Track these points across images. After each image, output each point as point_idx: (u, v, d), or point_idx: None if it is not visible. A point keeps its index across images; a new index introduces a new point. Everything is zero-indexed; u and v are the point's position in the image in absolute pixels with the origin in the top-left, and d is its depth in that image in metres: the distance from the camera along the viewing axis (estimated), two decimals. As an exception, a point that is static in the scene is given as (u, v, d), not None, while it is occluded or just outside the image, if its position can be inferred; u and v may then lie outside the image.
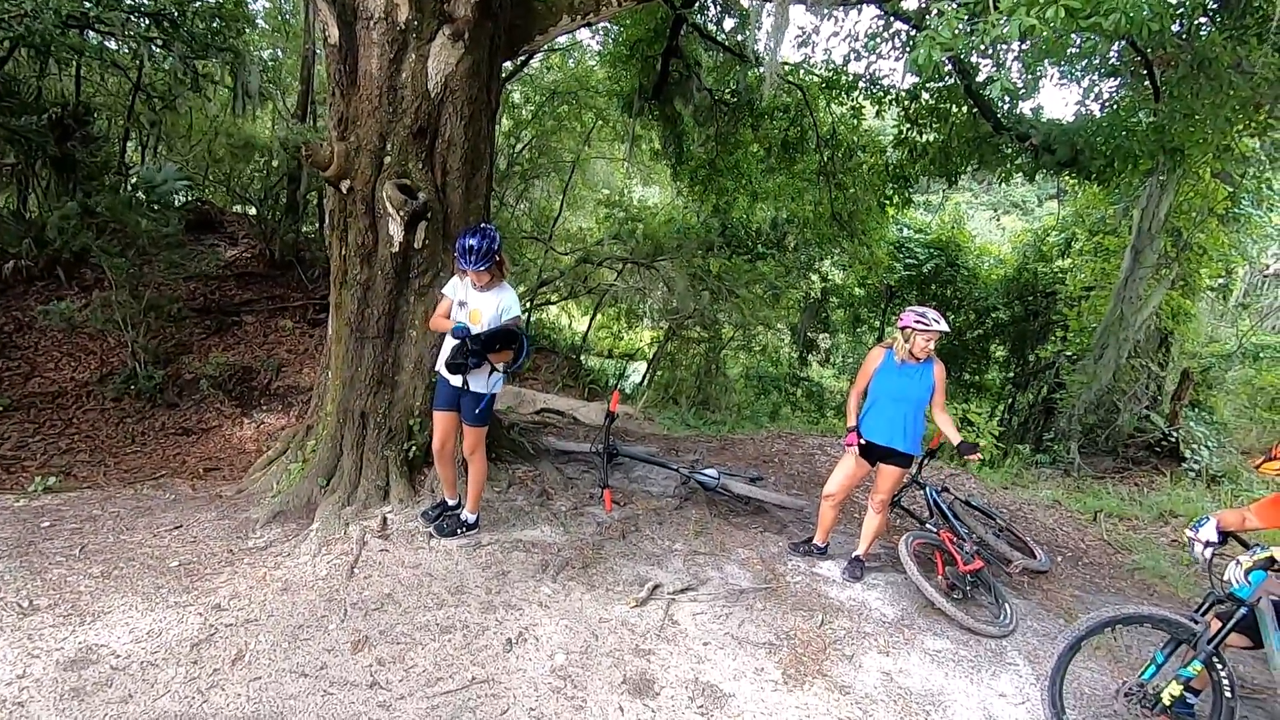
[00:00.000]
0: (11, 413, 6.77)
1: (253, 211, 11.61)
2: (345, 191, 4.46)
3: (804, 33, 10.43)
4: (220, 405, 7.63)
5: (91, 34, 8.69)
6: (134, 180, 9.70)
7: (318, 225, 11.40)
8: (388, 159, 4.38)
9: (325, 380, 5.01)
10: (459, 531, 4.20)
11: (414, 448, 4.67)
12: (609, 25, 10.64)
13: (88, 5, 7.42)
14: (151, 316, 8.00)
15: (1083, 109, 8.24)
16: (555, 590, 3.80)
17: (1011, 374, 14.92)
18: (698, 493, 5.38)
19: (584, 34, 13.30)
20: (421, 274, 4.58)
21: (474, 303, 3.86)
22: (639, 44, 9.58)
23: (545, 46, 10.24)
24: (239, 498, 4.86)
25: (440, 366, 3.93)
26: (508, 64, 7.22)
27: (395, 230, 4.39)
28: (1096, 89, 7.57)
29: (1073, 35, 4.00)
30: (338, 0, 4.18)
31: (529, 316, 14.61)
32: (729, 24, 9.85)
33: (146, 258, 8.37)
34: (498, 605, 3.59)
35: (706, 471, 5.32)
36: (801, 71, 10.44)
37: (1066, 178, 9.49)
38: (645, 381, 15.30)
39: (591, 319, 16.65)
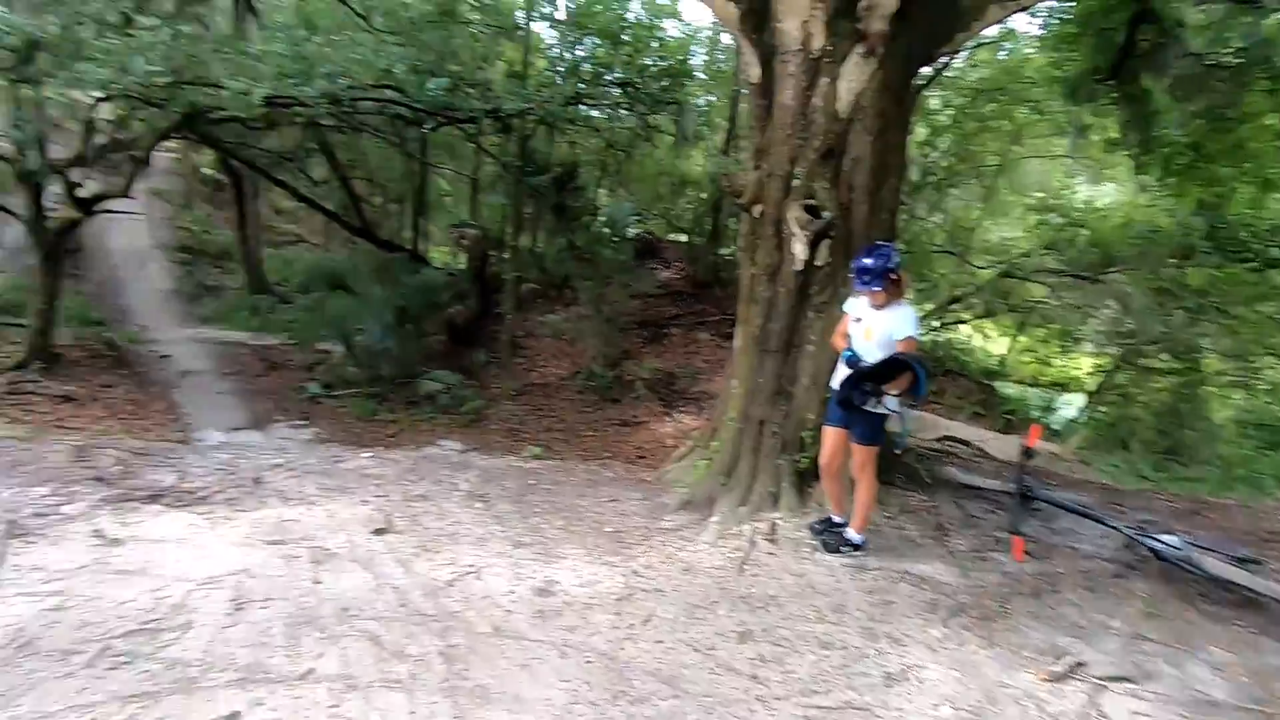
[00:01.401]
0: (519, 396, 9.22)
1: (684, 239, 13.44)
2: (757, 216, 4.84)
3: (1374, -54, 7.41)
4: (650, 404, 9.10)
5: (581, 106, 11.22)
6: (602, 219, 12.19)
7: (735, 249, 12.60)
8: (796, 182, 4.59)
9: (730, 388, 5.50)
10: (843, 550, 4.16)
11: (805, 459, 4.79)
12: (1053, 1, 9.25)
13: (581, 86, 9.63)
14: (607, 328, 9.97)
15: None
16: (945, 635, 3.46)
17: None
18: (1149, 562, 4.27)
19: (1018, 19, 11.83)
20: (821, 291, 4.68)
21: (868, 320, 3.82)
22: (1093, 16, 8.08)
23: (969, 43, 9.45)
24: (657, 484, 5.67)
25: (834, 384, 3.96)
26: (925, 69, 6.88)
27: (799, 249, 4.57)
28: None
29: None
30: (760, 40, 4.58)
31: (936, 336, 13.59)
32: (1235, -36, 7.58)
33: (607, 281, 10.47)
34: (880, 635, 3.44)
35: (1165, 537, 4.19)
36: (1366, 2, 7.43)
37: None
38: (1082, 417, 12.80)
39: (1012, 341, 14.67)
